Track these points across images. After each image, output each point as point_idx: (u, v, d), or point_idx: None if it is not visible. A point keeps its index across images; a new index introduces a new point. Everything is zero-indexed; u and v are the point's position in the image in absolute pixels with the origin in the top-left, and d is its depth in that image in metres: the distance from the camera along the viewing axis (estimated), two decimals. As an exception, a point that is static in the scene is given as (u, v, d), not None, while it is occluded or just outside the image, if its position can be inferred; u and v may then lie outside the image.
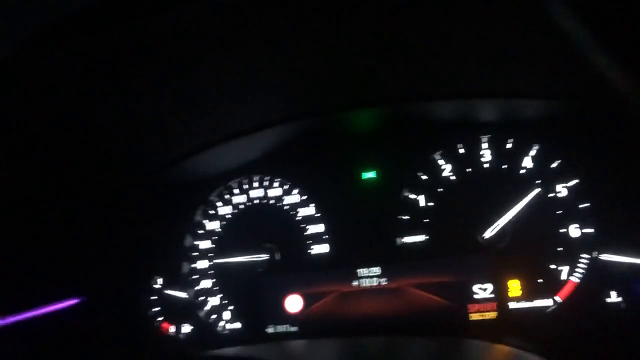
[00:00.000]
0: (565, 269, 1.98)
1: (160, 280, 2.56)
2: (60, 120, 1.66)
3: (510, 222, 2.04)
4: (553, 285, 1.99)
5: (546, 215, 2.02)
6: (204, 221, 2.55)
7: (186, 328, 2.49)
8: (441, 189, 2.18)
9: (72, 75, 1.42)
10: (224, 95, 1.80)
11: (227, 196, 2.52)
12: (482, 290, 2.05)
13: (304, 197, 2.38)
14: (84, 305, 2.35)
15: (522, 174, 2.07)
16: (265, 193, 2.46)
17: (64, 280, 2.29)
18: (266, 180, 2.46)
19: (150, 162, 2.20)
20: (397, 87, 1.91)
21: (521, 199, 2.03)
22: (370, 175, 2.30)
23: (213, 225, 2.53)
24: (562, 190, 2.02)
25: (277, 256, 2.38)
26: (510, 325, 2.00)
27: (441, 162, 2.19)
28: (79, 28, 1.19)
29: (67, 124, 1.69)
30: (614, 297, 1.90)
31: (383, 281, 2.18)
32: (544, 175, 2.04)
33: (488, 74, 1.76)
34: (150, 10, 1.18)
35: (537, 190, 2.03)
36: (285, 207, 2.41)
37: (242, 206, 2.49)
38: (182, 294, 2.51)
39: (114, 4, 1.13)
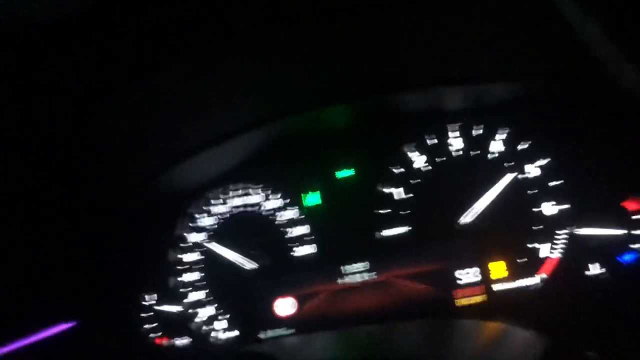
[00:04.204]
0: (545, 246, 2.02)
1: (151, 296, 2.56)
2: (36, 140, 1.65)
3: (486, 206, 2.07)
4: (535, 263, 2.02)
5: (521, 195, 2.05)
6: (186, 234, 2.55)
7: (181, 342, 2.49)
8: (417, 180, 2.20)
9: (42, 89, 1.41)
10: (194, 105, 1.80)
11: (207, 207, 2.53)
12: (467, 275, 2.08)
13: (284, 201, 2.40)
14: (76, 329, 2.35)
15: (494, 157, 2.10)
16: (245, 200, 2.46)
17: (53, 306, 2.29)
18: (245, 187, 2.47)
19: (127, 179, 2.20)
20: (365, 81, 1.93)
21: (494, 183, 2.06)
22: (347, 173, 2.31)
23: (196, 238, 2.54)
24: (534, 170, 2.05)
25: (264, 262, 2.39)
26: (497, 307, 2.03)
27: (413, 153, 2.21)
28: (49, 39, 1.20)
29: (43, 144, 1.69)
30: (595, 269, 1.94)
31: (369, 276, 2.20)
32: (516, 157, 2.07)
33: (452, 59, 1.78)
34: (124, 18, 1.19)
35: (510, 174, 2.06)
36: (266, 213, 2.42)
37: (223, 216, 2.50)
38: (174, 308, 2.51)
39: (89, 12, 1.14)
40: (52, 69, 1.31)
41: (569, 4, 0.98)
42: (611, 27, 0.97)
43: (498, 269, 2.06)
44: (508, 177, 2.05)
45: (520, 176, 2.06)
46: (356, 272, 2.22)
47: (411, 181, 2.20)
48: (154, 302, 2.55)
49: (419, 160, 2.20)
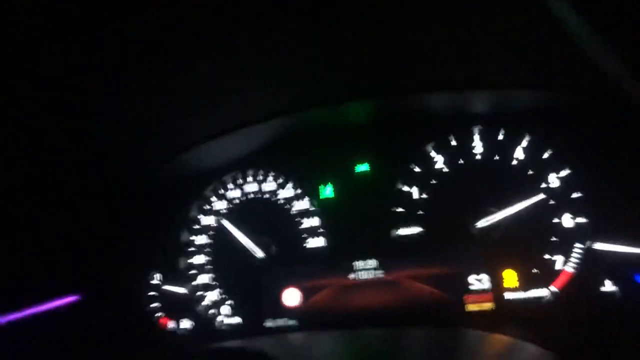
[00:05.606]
0: (559, 259, 1.99)
1: (158, 276, 2.57)
2: (55, 119, 1.65)
3: (507, 215, 2.04)
4: (548, 275, 1.99)
5: (542, 206, 2.01)
6: (200, 216, 2.55)
7: (185, 323, 2.50)
8: (434, 181, 2.17)
9: (64, 75, 1.41)
10: (217, 91, 1.79)
11: (221, 191, 2.52)
12: (478, 281, 2.05)
13: (298, 191, 2.38)
14: (83, 302, 2.37)
15: (514, 164, 2.06)
16: (260, 187, 2.45)
17: (62, 278, 2.30)
18: (260, 175, 2.46)
19: (145, 158, 2.20)
20: (390, 79, 1.90)
21: (515, 190, 2.02)
22: (363, 168, 2.29)
23: (209, 221, 2.53)
24: (554, 181, 2.01)
25: (274, 250, 2.39)
26: (506, 316, 2.00)
27: (434, 154, 2.18)
28: (70, 28, 1.19)
29: (62, 123, 1.69)
30: (608, 286, 1.91)
31: (379, 274, 2.19)
32: (539, 166, 2.03)
33: (479, 65, 1.75)
34: (143, 10, 1.18)
35: (542, 194, 2.02)
36: (280, 201, 2.41)
37: (237, 201, 2.49)
38: (181, 289, 2.52)
39: (106, 4, 1.13)
40: (85, 51, 1.32)
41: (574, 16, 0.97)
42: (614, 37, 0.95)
43: (511, 277, 2.03)
44: (539, 196, 2.02)
45: (542, 185, 2.03)
46: (367, 269, 2.20)
47: (430, 181, 2.17)
48: (162, 282, 2.56)
49: (439, 161, 2.17)
